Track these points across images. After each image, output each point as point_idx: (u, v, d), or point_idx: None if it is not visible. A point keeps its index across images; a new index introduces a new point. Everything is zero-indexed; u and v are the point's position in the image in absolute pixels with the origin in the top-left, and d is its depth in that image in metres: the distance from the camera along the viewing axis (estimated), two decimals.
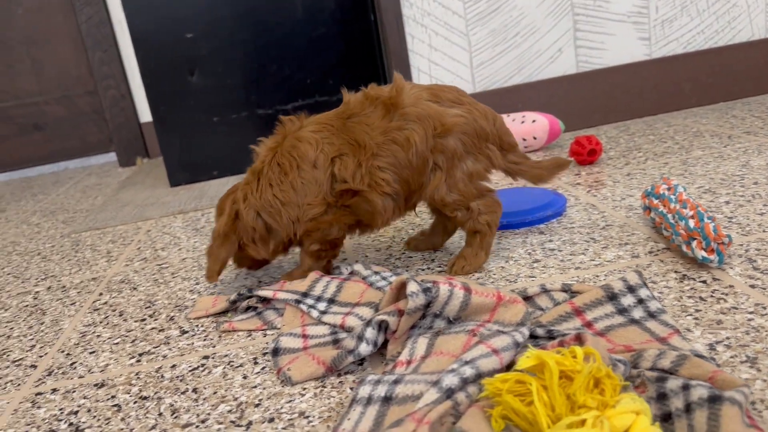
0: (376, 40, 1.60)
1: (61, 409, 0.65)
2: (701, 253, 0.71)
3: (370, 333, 0.62)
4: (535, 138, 1.35)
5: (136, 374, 0.70)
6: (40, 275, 1.11)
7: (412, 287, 0.62)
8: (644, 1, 1.46)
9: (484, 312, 0.64)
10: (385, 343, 0.65)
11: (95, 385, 0.69)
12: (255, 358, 0.69)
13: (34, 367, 0.76)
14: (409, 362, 0.60)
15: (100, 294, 0.96)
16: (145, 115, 2.16)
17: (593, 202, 1.00)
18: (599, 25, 1.46)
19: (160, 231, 1.25)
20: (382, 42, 1.43)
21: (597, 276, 0.75)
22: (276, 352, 0.67)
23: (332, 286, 0.77)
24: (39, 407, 0.66)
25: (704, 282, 0.69)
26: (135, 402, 0.64)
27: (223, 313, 0.81)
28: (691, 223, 0.73)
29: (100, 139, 2.24)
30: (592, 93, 1.50)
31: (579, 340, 0.51)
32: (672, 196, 0.82)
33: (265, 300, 0.79)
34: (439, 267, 0.85)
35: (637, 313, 0.62)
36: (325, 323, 0.71)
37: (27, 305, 0.97)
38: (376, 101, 0.79)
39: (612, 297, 0.64)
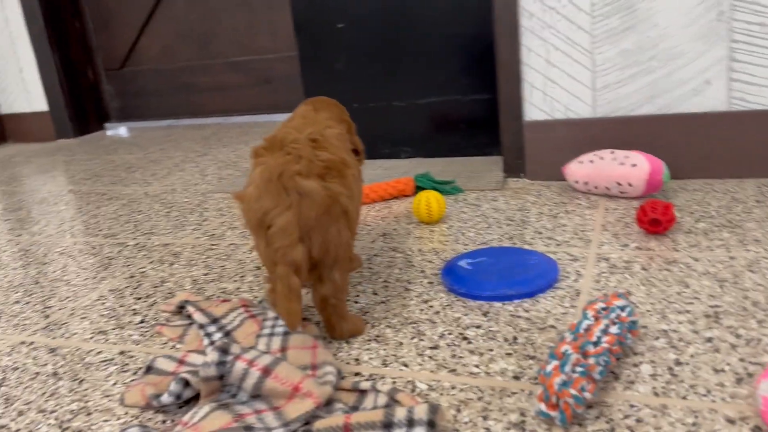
0: None
1: None
2: (539, 405, 0.62)
3: (173, 386, 0.70)
4: (630, 185, 1.17)
5: None
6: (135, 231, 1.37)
7: (208, 357, 0.68)
8: None
9: (281, 397, 0.67)
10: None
11: None
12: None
13: None
14: (185, 423, 0.66)
15: None
16: None
17: (589, 288, 0.88)
18: (766, 56, 1.17)
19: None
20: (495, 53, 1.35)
21: (454, 387, 0.70)
22: (148, 369, 0.78)
23: (237, 321, 0.85)
24: None
25: None
26: None
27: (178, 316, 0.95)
28: (549, 366, 0.63)
29: None
30: (744, 138, 1.22)
31: None
32: (585, 322, 0.70)
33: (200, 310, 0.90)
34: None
35: None
36: (204, 354, 0.80)
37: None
38: None
39: (387, 425, 0.61)
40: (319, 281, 0.79)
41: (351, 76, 1.66)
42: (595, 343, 0.67)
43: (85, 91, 2.76)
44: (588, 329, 0.69)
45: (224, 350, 0.69)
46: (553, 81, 1.32)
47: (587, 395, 0.62)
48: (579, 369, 0.63)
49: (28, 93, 2.72)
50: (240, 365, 0.67)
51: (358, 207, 0.87)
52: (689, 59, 1.22)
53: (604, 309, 0.72)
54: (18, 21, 2.62)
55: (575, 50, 1.29)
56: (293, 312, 0.72)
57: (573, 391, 0.61)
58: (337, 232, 0.78)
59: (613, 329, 0.69)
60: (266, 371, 0.67)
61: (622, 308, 0.72)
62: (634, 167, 1.17)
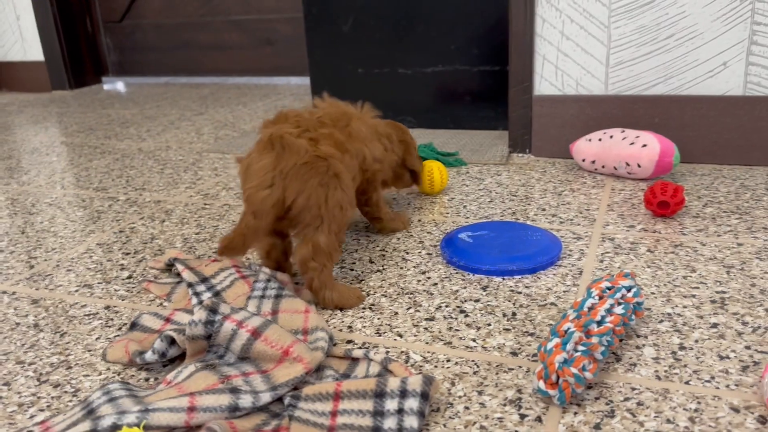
0: None
1: None
2: (538, 383, 0.59)
3: (158, 343, 0.67)
4: (639, 166, 1.14)
5: None
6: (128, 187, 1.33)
7: (196, 315, 0.65)
8: None
9: (270, 361, 0.64)
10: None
11: None
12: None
13: None
14: (169, 383, 0.64)
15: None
16: None
17: (592, 267, 0.85)
18: None
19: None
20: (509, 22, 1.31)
21: (449, 360, 0.67)
22: (133, 326, 0.76)
23: (227, 281, 0.82)
24: None
25: (522, 417, 0.58)
26: None
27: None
28: (550, 344, 0.61)
29: None
30: (757, 125, 1.19)
31: None
32: (589, 300, 0.67)
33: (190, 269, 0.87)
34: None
35: (389, 423, 0.56)
36: (191, 313, 0.77)
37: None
38: None
39: (379, 395, 0.59)
40: (302, 241, 0.77)
41: (357, 40, 1.62)
42: (599, 323, 0.64)
43: (83, 43, 2.69)
44: (592, 308, 0.66)
45: (213, 310, 0.66)
46: (566, 55, 1.28)
47: (588, 375, 0.59)
48: (581, 348, 0.61)
49: (24, 41, 2.65)
50: (228, 326, 0.64)
51: (354, 179, 0.85)
52: (707, 39, 1.18)
53: (609, 288, 0.69)
54: None
55: (591, 24, 1.24)
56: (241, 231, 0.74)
57: (574, 370, 0.58)
58: (321, 188, 0.76)
59: (618, 309, 0.66)
60: (256, 333, 0.64)
61: (628, 288, 0.70)
62: (644, 147, 1.14)
